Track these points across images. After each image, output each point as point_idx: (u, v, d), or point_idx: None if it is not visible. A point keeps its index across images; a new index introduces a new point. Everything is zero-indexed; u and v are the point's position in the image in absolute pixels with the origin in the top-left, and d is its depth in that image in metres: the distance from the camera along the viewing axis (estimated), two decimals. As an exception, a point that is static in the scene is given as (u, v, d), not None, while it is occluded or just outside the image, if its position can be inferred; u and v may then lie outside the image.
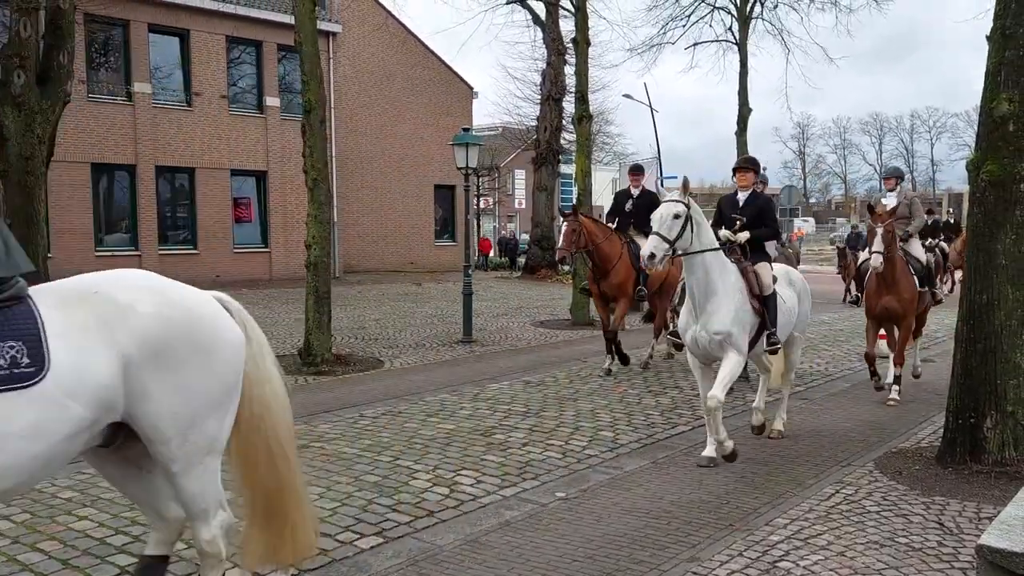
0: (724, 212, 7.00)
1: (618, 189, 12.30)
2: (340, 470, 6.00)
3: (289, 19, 18.88)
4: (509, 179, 48.21)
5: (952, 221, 24.03)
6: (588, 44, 15.54)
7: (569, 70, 20.94)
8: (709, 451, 6.22)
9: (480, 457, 6.35)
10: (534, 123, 30.47)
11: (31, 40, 11.42)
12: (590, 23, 16.02)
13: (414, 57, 30.01)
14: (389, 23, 26.56)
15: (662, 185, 30.94)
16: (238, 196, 24.96)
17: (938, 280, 18.97)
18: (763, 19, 21.36)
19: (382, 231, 29.09)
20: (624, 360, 10.23)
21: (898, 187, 9.48)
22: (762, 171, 9.69)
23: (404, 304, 18.80)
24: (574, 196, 16.86)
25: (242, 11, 23.18)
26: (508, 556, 4.47)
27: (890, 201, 8.96)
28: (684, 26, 21.64)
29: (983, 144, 5.81)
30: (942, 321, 11.26)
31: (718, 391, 5.88)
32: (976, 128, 6.05)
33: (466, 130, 13.46)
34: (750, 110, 20.42)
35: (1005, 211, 5.67)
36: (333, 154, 26.31)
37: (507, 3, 22.78)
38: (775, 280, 6.55)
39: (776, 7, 21.63)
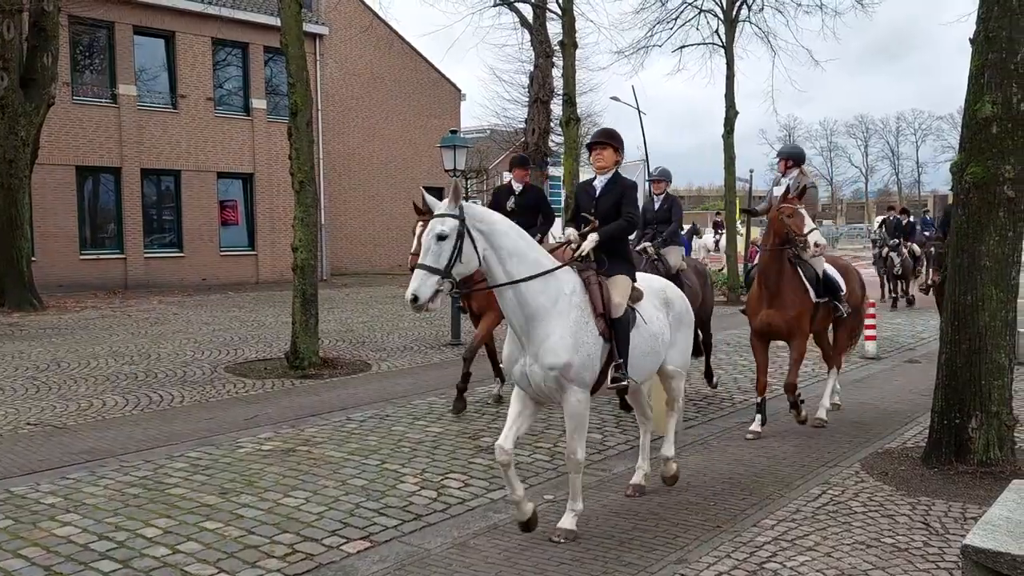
0: (580, 205, 5.36)
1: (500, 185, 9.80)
2: (327, 474, 5.97)
3: (275, 21, 18.86)
4: (497, 181, 48.21)
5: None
6: (575, 47, 15.57)
7: (557, 72, 20.97)
8: (567, 522, 4.83)
9: (468, 460, 6.34)
10: (522, 125, 30.44)
11: (14, 42, 11.33)
12: (577, 26, 16.04)
13: (401, 59, 29.98)
14: (376, 25, 26.50)
15: (648, 189, 31.03)
16: (224, 199, 24.84)
17: (905, 284, 18.70)
18: (750, 22, 21.43)
19: (370, 233, 29.04)
20: (459, 404, 8.00)
21: (796, 171, 7.78)
22: (660, 171, 9.16)
23: (392, 307, 18.75)
24: (562, 198, 16.86)
25: (227, 13, 23.08)
26: (496, 559, 4.46)
27: (779, 189, 7.58)
28: (671, 29, 21.68)
29: (967, 146, 5.85)
30: (928, 323, 11.33)
31: (576, 447, 4.71)
32: (960, 130, 6.08)
33: (454, 132, 13.45)
34: (737, 112, 20.50)
35: (989, 213, 5.71)
36: (320, 156, 26.25)
37: (494, 5, 22.77)
38: (638, 298, 5.12)
39: (762, 10, 21.71)
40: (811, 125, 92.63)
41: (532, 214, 8.52)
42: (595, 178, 5.40)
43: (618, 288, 4.99)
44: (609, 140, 5.35)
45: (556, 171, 30.47)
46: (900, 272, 17.99)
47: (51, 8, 16.84)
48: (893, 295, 18.44)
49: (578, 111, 16.20)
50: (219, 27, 22.15)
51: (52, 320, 15.55)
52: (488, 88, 68.86)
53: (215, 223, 24.35)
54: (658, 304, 5.36)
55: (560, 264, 4.81)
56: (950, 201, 11.22)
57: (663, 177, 9.18)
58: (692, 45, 22.04)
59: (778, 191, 7.52)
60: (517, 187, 8.74)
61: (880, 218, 18.40)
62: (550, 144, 28.89)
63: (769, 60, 53.72)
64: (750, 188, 28.38)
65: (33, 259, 18.21)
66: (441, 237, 4.37)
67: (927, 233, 18.67)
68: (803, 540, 4.64)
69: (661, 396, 6.07)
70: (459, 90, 32.39)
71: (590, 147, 5.36)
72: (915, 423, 7.36)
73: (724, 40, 20.77)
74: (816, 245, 6.64)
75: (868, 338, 11.49)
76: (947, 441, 5.89)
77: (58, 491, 5.59)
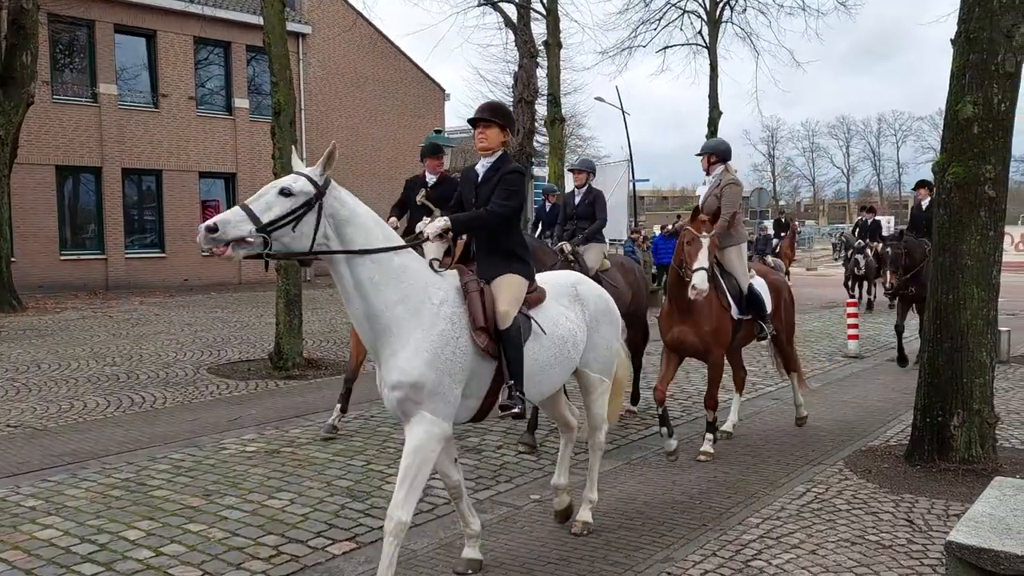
0: (464, 195, 4.62)
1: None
2: (312, 475, 5.94)
3: (258, 20, 18.71)
4: (481, 181, 48.10)
5: (784, 220, 24.08)
6: (560, 47, 15.60)
7: (541, 73, 20.99)
8: None
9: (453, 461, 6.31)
10: (506, 125, 30.36)
11: (-7, 40, 11.14)
12: (561, 26, 16.09)
13: (385, 59, 29.88)
14: (359, 24, 26.41)
15: (634, 189, 31.05)
16: (207, 199, 24.68)
17: (869, 286, 18.28)
18: (732, 23, 21.57)
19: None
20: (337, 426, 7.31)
21: (720, 167, 6.93)
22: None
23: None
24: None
25: (210, 12, 22.91)
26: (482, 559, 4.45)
27: (703, 189, 7.06)
28: (655, 29, 21.79)
29: (948, 146, 5.90)
30: (908, 322, 11.40)
31: (398, 509, 3.73)
32: (942, 131, 6.13)
33: (438, 131, 13.43)
34: (720, 113, 20.61)
35: (970, 212, 5.76)
36: (304, 156, 26.08)
37: (478, 5, 22.75)
38: (538, 300, 4.38)
39: (745, 11, 21.85)
40: (794, 126, 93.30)
41: (447, 209, 8.02)
42: (479, 162, 4.55)
43: (505, 293, 4.17)
44: (493, 117, 4.42)
45: (541, 171, 30.51)
46: (863, 273, 17.60)
47: (30, 6, 16.67)
48: (858, 295, 18.06)
49: (563, 111, 16.23)
50: (201, 26, 21.99)
51: (32, 321, 15.38)
52: (472, 88, 68.84)
53: (197, 223, 24.10)
54: (567, 303, 4.57)
55: (399, 246, 3.95)
56: (921, 202, 11.00)
57: (584, 168, 8.30)
58: (676, 46, 22.16)
59: (702, 191, 7.10)
60: (431, 179, 7.81)
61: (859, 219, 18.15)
62: (535, 145, 28.93)
63: (752, 61, 54.08)
64: (733, 188, 28.64)
65: (12, 260, 17.99)
66: (285, 192, 3.56)
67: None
68: (788, 538, 4.66)
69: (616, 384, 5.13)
70: (443, 90, 32.34)
71: (473, 124, 4.49)
72: (897, 421, 7.41)
73: (708, 41, 20.88)
74: (693, 287, 5.80)
75: (851, 337, 11.59)
76: (929, 439, 5.94)
77: (39, 493, 5.53)
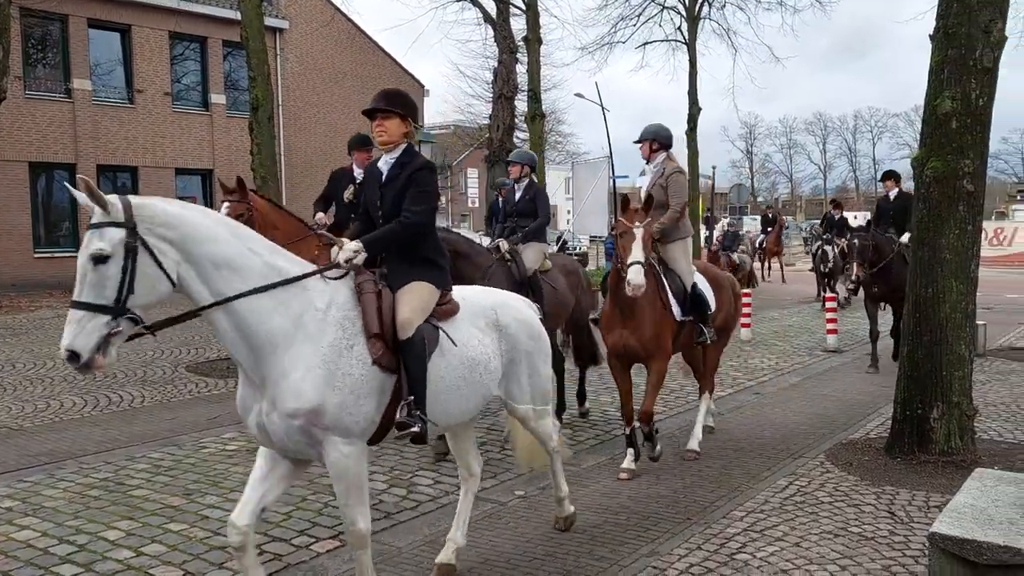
0: (368, 196, 4.10)
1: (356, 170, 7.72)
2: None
3: (235, 15, 18.55)
4: (462, 178, 48.10)
5: (771, 216, 24.22)
6: (540, 42, 15.58)
7: (521, 68, 20.96)
8: None
9: (437, 458, 6.28)
10: (486, 121, 30.39)
11: (-36, 34, 10.96)
12: (541, 21, 16.07)
13: (363, 54, 29.70)
14: (337, 19, 26.21)
15: (614, 185, 31.11)
16: (183, 195, 24.36)
17: (832, 282, 16.98)
18: (711, 19, 21.66)
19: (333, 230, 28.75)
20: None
21: (662, 155, 6.30)
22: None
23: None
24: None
25: (185, 6, 22.67)
26: (467, 556, 4.42)
27: (644, 180, 6.35)
28: (634, 25, 21.83)
29: (927, 141, 5.95)
30: (885, 316, 11.50)
31: (354, 516, 3.55)
32: (921, 126, 6.18)
33: (417, 128, 13.35)
34: (699, 109, 20.70)
35: (949, 207, 5.81)
36: (281, 153, 25.93)
37: (457, 0, 22.67)
38: (449, 312, 3.94)
39: (724, 7, 21.94)
40: (771, 123, 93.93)
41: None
42: (380, 158, 4.00)
43: (409, 299, 3.71)
44: (392, 106, 3.88)
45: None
46: (829, 269, 17.00)
47: (2, 0, 16.38)
48: (822, 291, 17.40)
49: (543, 107, 16.21)
50: (177, 21, 21.76)
51: (6, 320, 15.14)
52: (452, 84, 68.69)
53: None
54: (483, 326, 4.10)
55: (309, 272, 3.50)
56: (889, 193, 10.53)
57: (520, 160, 7.60)
58: (655, 42, 22.22)
59: (643, 182, 6.37)
60: (359, 173, 7.19)
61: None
62: (515, 141, 28.88)
63: (731, 58, 54.37)
64: (713, 184, 28.69)
65: (-15, 258, 17.70)
66: (99, 259, 3.00)
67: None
68: (772, 531, 4.69)
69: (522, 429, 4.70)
70: (423, 86, 32.20)
71: (369, 116, 3.94)
72: (877, 414, 7.48)
73: (687, 37, 20.95)
74: (628, 283, 5.31)
75: (830, 332, 11.68)
76: (909, 431, 5.99)
77: (15, 494, 5.43)
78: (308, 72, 28.03)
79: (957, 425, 5.86)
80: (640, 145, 6.35)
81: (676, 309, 5.92)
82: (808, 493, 5.34)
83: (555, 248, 30.59)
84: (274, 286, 3.34)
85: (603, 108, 31.79)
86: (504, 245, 6.98)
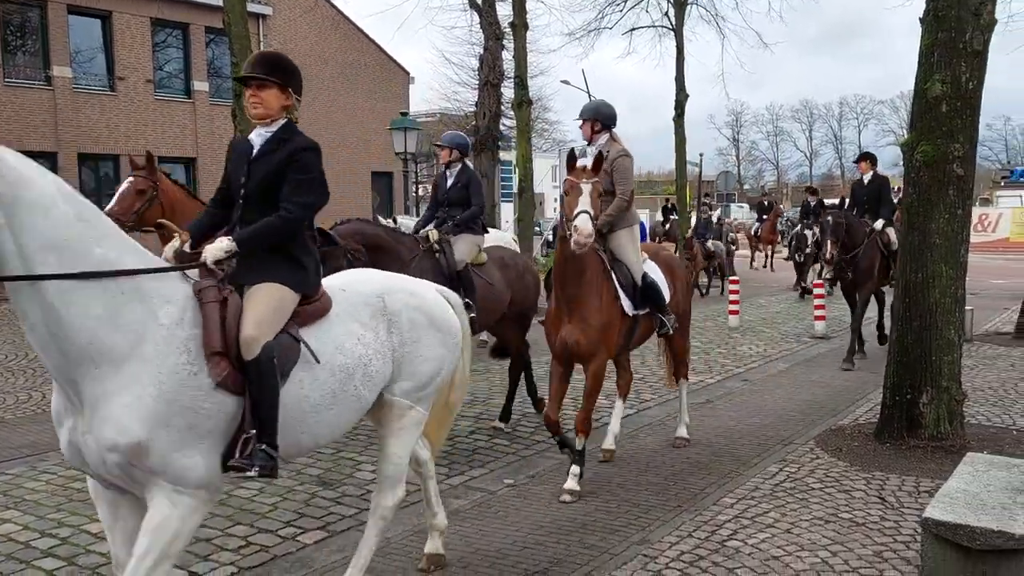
0: (231, 177, 3.48)
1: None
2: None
3: (217, 1, 18.30)
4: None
5: (767, 204, 23.98)
6: (526, 28, 15.46)
7: (507, 55, 20.81)
8: None
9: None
10: (472, 109, 30.24)
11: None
12: (527, 6, 15.94)
13: (348, 41, 29.43)
14: (320, 5, 26.00)
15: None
16: (167, 184, 24.14)
17: (806, 272, 16.33)
18: (698, 4, 21.57)
19: (317, 218, 28.52)
20: None
21: (605, 136, 5.69)
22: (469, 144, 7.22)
23: (343, 293, 18.46)
24: (515, 182, 16.77)
25: (167, -8, 22.38)
26: (457, 546, 4.39)
27: (586, 162, 5.26)
28: (621, 11, 21.71)
29: (917, 125, 5.92)
30: (873, 302, 11.52)
31: None
32: (910, 109, 6.14)
33: (404, 115, 13.25)
34: (687, 96, 20.64)
35: (939, 191, 5.78)
36: (266, 141, 25.60)
37: (443, -14, 22.49)
38: (317, 314, 3.36)
39: (711, -7, 21.85)
40: (758, 110, 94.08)
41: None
42: (254, 131, 3.46)
43: (256, 309, 3.10)
44: (270, 74, 3.34)
45: (508, 155, 30.37)
46: (807, 255, 16.21)
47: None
48: (803, 285, 16.76)
49: (529, 94, 16.11)
50: (158, 7, 21.47)
51: (-14, 311, 14.95)
52: (438, 71, 68.27)
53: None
54: (367, 319, 3.50)
55: (156, 268, 2.96)
56: (863, 177, 10.02)
57: (450, 143, 6.92)
58: (642, 27, 22.11)
59: (586, 164, 5.44)
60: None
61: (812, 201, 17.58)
62: (501, 128, 28.75)
63: (719, 43, 54.37)
64: (700, 172, 28.68)
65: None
66: None
67: None
68: (763, 517, 4.67)
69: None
70: (408, 73, 31.99)
71: (243, 84, 3.42)
72: (866, 399, 7.48)
73: (674, 23, 20.87)
74: (575, 232, 4.71)
75: (817, 318, 11.70)
76: (899, 416, 5.98)
77: (-4, 488, 5.35)
78: (291, 58, 27.73)
79: (946, 410, 5.86)
80: (580, 125, 5.75)
81: (626, 303, 5.33)
82: (798, 479, 5.32)
83: (550, 239, 30.57)
84: (95, 275, 2.70)
85: (590, 95, 31.69)
86: (433, 235, 6.49)
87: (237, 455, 2.99)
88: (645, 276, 5.57)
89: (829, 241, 9.18)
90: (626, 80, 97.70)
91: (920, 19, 5.91)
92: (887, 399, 6.13)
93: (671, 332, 5.79)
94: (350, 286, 3.61)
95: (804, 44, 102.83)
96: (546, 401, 5.88)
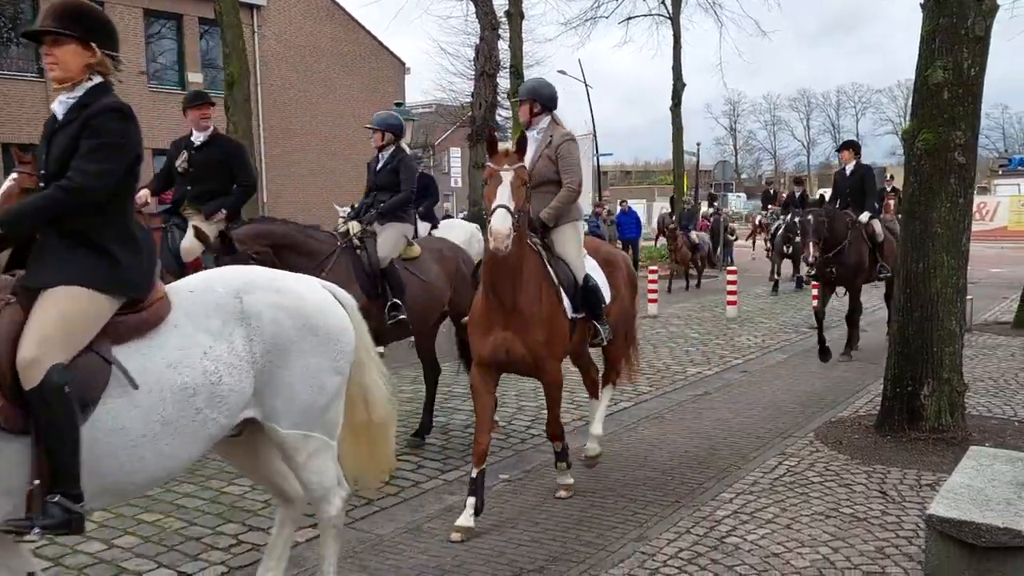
0: (40, 157, 2.94)
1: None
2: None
3: (210, -9, 18.14)
4: (445, 157, 47.72)
5: (772, 192, 22.60)
6: (522, 17, 15.33)
7: (503, 45, 20.67)
8: None
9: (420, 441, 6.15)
10: (468, 99, 30.08)
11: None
12: (523, -4, 15.78)
13: (343, 31, 29.26)
14: (316, -4, 25.83)
15: (598, 163, 30.82)
16: (163, 177, 24.02)
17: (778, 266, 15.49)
18: (695, -7, 21.42)
19: (314, 211, 28.42)
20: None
21: (546, 118, 5.01)
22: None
23: (339, 285, 18.36)
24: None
25: (160, -17, 22.21)
26: (452, 543, 4.31)
27: (531, 139, 4.87)
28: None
29: (918, 112, 5.82)
30: (870, 292, 11.43)
31: None
32: (904, 101, 6.04)
33: (399, 105, 13.13)
34: (684, 85, 20.53)
35: (940, 180, 5.69)
36: (261, 133, 25.54)
37: (438, -24, 22.31)
38: (148, 325, 2.82)
39: (708, -21, 21.70)
40: (755, 99, 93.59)
41: (215, 176, 6.23)
42: (57, 98, 2.94)
43: (41, 321, 2.55)
44: (65, 27, 2.80)
45: (505, 146, 30.14)
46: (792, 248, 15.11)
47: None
48: (778, 277, 16.24)
49: (525, 84, 15.98)
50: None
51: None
52: (433, 61, 67.96)
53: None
54: (218, 327, 2.91)
55: None
56: (845, 167, 9.44)
57: (384, 126, 6.24)
58: (639, 16, 21.97)
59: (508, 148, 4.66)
60: (198, 137, 6.30)
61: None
62: (498, 118, 28.60)
63: (716, 31, 54.06)
64: (697, 161, 28.57)
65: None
66: None
67: None
68: (762, 512, 4.59)
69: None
70: (404, 63, 31.83)
71: (34, 40, 2.92)
72: (865, 391, 7.40)
73: (671, 11, 20.73)
74: (491, 233, 4.10)
75: (815, 296, 11.59)
76: (900, 408, 5.91)
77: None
78: (286, 50, 27.58)
79: (947, 401, 5.78)
80: (520, 106, 5.14)
81: (567, 304, 4.73)
82: (798, 473, 5.24)
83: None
84: None
85: (586, 85, 31.56)
86: (353, 227, 5.80)
87: (27, 510, 2.42)
88: (588, 277, 4.93)
89: (811, 242, 8.48)
90: (623, 71, 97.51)
91: (921, 4, 5.81)
92: (888, 391, 6.05)
93: (604, 343, 5.05)
94: (202, 286, 3.02)
95: (802, 33, 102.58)
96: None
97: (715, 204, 22.75)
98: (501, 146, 4.38)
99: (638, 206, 26.29)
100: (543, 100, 5.02)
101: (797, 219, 8.95)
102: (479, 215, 29.89)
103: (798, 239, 8.87)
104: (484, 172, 4.40)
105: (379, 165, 6.28)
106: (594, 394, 5.73)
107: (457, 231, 9.34)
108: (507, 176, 4.25)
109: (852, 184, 9.30)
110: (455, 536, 4.33)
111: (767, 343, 10.38)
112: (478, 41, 27.70)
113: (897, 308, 6.03)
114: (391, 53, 31.29)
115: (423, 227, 9.02)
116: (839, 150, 9.75)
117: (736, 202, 49.11)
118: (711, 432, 6.32)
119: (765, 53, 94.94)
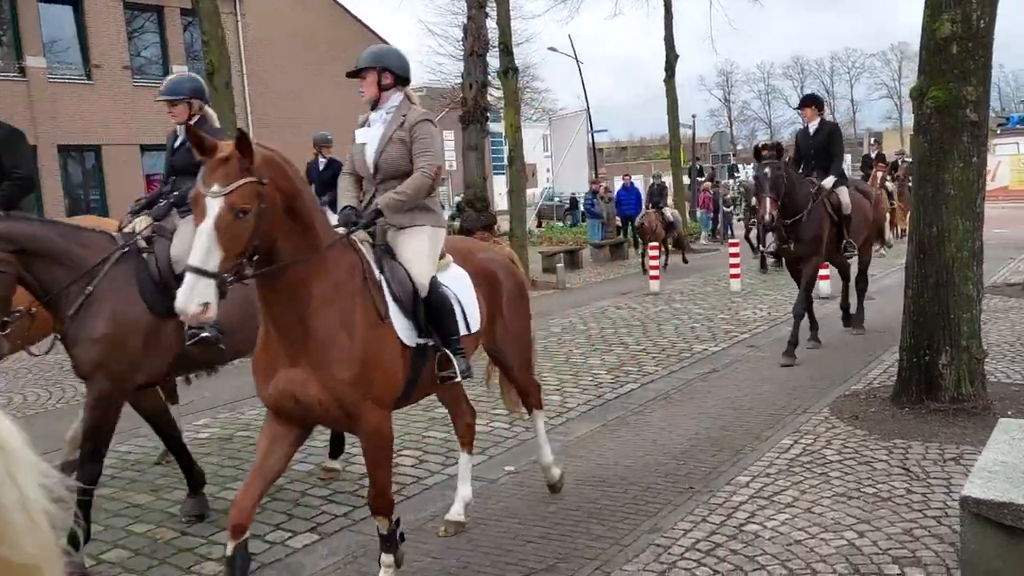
0: None
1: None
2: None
3: (190, -20, 17.74)
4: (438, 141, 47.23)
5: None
6: (509, -7, 14.93)
7: (491, 24, 20.28)
8: None
9: (422, 435, 5.95)
10: (458, 80, 29.69)
11: None
12: (509, -29, 15.40)
13: (328, 16, 28.82)
14: (299, -19, 25.39)
15: (592, 140, 30.43)
16: (151, 172, 23.68)
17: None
18: (684, -38, 20.96)
19: (309, 201, 28.09)
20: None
21: (396, 95, 3.95)
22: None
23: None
24: (505, 153, 16.35)
25: (139, -25, 21.79)
26: (455, 543, 4.11)
27: (368, 132, 3.95)
28: (605, -28, 21.10)
29: (926, 69, 5.56)
30: (876, 259, 11.17)
31: None
32: (919, 53, 5.76)
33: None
34: (677, 56, 20.16)
35: (952, 138, 5.44)
36: (250, 122, 25.14)
37: (422, -45, 21.89)
38: None
39: (696, -52, 21.26)
40: (749, 69, 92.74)
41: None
42: None
43: None
44: None
45: (498, 127, 29.86)
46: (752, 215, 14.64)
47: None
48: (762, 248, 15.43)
49: (516, 62, 15.65)
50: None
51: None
52: (421, 43, 67.22)
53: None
54: None
55: None
56: (808, 125, 8.12)
57: (194, 93, 4.80)
58: (628, -12, 21.50)
59: (366, 135, 3.92)
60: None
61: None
62: (489, 99, 28.21)
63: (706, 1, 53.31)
64: (693, 134, 28.20)
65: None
66: None
67: None
68: (781, 496, 4.37)
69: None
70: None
71: None
72: (878, 361, 7.18)
73: (660, -20, 20.32)
74: (178, 308, 2.89)
75: (822, 278, 11.35)
76: (917, 379, 5.69)
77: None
78: (271, 37, 27.12)
79: (967, 370, 5.56)
80: (363, 78, 3.91)
81: (401, 325, 3.50)
82: (815, 452, 5.02)
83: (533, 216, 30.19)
84: None
85: (577, 61, 31.13)
86: (138, 224, 4.60)
87: None
88: (436, 286, 3.71)
89: (768, 199, 7.23)
90: (616, 46, 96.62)
91: (926, -45, 5.53)
92: (904, 361, 5.83)
93: (458, 379, 3.74)
94: None
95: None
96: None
97: (715, 178, 22.38)
98: (221, 151, 2.93)
99: (636, 182, 25.91)
100: (395, 70, 3.89)
101: (754, 174, 7.85)
102: (474, 197, 29.51)
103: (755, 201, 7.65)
104: (191, 194, 3.06)
105: (178, 142, 4.87)
106: (466, 445, 4.46)
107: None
108: (214, 207, 2.87)
109: (817, 144, 8.06)
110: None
111: (773, 315, 10.14)
112: (466, 20, 27.28)
113: (911, 275, 5.78)
114: (378, 37, 30.84)
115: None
116: (800, 107, 8.43)
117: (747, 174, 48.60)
118: (721, 412, 6.11)
119: (758, 20, 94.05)
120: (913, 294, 5.73)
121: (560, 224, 27.35)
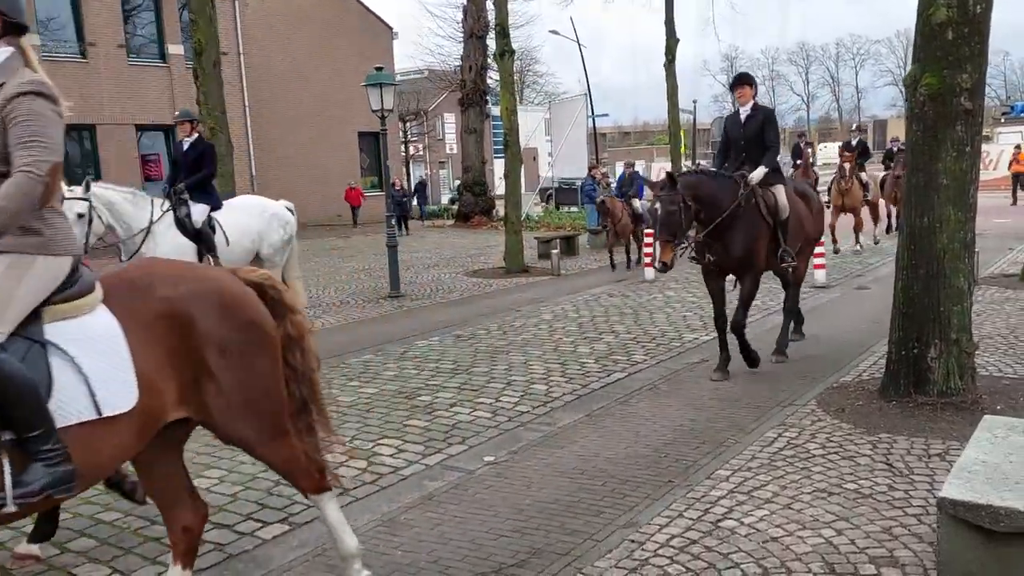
0: None
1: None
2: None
3: (184, -42, 17.53)
4: (438, 123, 47.04)
5: (801, 146, 17.26)
6: (506, -26, 14.76)
7: (490, 5, 20.09)
8: None
9: (403, 423, 5.86)
10: (458, 63, 29.47)
11: None
12: (507, -49, 15.18)
13: (327, -3, 28.56)
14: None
15: (594, 124, 30.20)
16: (146, 152, 23.57)
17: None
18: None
19: (305, 183, 27.95)
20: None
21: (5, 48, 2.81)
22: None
23: (329, 260, 18.06)
24: (502, 136, 16.19)
25: (135, -48, 21.55)
26: (427, 536, 4.03)
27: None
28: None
29: (920, 56, 5.42)
30: (874, 249, 11.06)
31: None
32: (913, 39, 5.62)
33: (379, 69, 12.64)
34: (678, 40, 19.95)
35: (945, 127, 5.30)
36: (247, 104, 24.99)
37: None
38: None
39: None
40: (753, 55, 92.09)
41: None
42: None
43: None
44: None
45: (497, 111, 29.68)
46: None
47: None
48: None
49: (514, 46, 15.46)
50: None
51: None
52: (421, 25, 66.80)
53: (139, 179, 23.11)
54: None
55: None
56: (740, 109, 6.94)
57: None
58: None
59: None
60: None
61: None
62: (488, 81, 28.01)
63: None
64: (694, 119, 28.00)
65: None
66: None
67: None
68: (760, 491, 4.29)
69: None
70: (391, 28, 31.12)
71: None
72: (869, 353, 7.07)
73: (661, -37, 20.07)
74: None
75: (817, 267, 11.25)
76: (905, 372, 5.59)
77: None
78: (269, 17, 26.90)
79: (956, 363, 5.45)
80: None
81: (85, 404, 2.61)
82: (799, 446, 4.93)
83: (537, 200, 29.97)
84: None
85: (579, 44, 30.88)
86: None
87: None
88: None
89: (660, 243, 6.26)
90: (619, 29, 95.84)
91: (922, -63, 5.37)
92: (892, 354, 5.72)
93: (6, 507, 2.52)
94: None
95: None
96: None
97: (633, 167, 21.85)
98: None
99: (639, 168, 25.67)
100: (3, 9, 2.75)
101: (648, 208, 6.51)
102: (472, 181, 29.34)
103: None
104: None
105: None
106: (185, 563, 3.29)
107: (248, 212, 8.20)
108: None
109: (749, 132, 6.83)
110: None
111: (767, 304, 10.01)
112: (466, 1, 27.09)
113: (901, 266, 5.67)
114: (378, 18, 30.60)
115: (199, 210, 7.91)
116: (732, 87, 7.18)
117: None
118: (707, 403, 6.02)
119: (764, 6, 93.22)
120: (903, 285, 5.62)
121: (575, 209, 26.59)
